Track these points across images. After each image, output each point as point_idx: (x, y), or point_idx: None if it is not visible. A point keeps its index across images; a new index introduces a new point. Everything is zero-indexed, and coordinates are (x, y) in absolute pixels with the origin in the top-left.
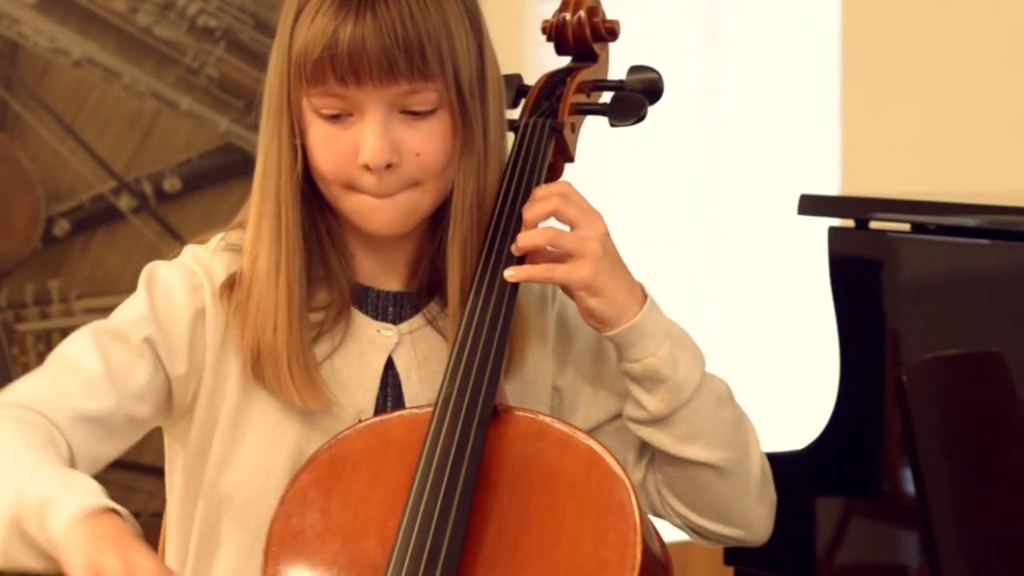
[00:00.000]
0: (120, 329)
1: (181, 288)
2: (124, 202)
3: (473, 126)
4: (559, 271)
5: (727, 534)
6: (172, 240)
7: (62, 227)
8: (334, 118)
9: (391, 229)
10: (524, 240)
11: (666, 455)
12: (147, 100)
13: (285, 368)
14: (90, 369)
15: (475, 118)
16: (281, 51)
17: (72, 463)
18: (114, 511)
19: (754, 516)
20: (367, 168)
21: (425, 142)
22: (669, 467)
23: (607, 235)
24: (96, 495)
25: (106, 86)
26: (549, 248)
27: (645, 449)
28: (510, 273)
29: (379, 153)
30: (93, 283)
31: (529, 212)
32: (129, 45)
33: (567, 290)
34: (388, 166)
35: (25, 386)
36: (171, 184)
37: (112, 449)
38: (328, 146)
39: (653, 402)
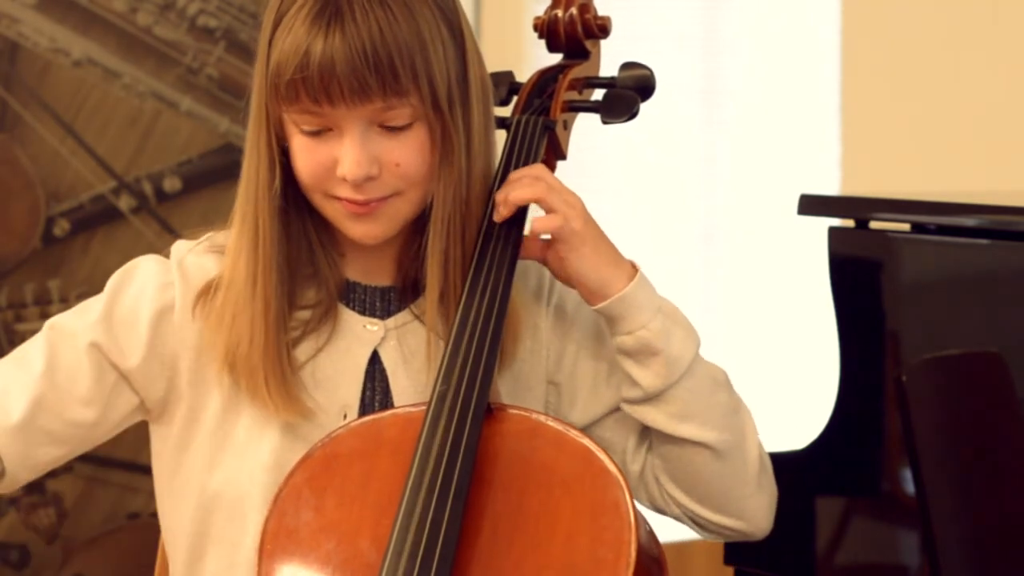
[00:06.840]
0: (73, 329)
1: (153, 285)
2: (124, 202)
3: (452, 137)
4: (554, 218)
5: (726, 524)
6: (172, 240)
7: (62, 227)
8: (314, 133)
9: (372, 238)
10: (515, 192)
11: (662, 435)
12: (147, 100)
13: (262, 380)
14: (32, 369)
15: (455, 128)
16: (261, 61)
17: None
18: None
19: (752, 505)
20: (346, 180)
21: (405, 153)
22: (665, 448)
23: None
24: None
25: (106, 86)
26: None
27: (645, 435)
28: (505, 213)
29: (357, 167)
30: (93, 283)
31: (516, 172)
32: (129, 45)
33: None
34: (368, 178)
35: None
36: (171, 184)
37: (54, 453)
38: (308, 156)
39: (648, 377)
